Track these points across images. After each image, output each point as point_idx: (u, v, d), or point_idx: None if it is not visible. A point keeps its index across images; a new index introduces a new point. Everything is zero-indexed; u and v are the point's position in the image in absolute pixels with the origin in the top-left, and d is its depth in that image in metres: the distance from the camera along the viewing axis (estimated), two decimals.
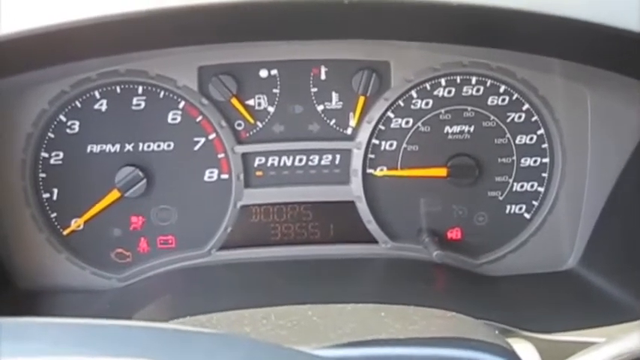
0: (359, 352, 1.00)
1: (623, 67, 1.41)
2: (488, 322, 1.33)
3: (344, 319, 1.16)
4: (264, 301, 1.26)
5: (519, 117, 1.70)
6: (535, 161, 1.72)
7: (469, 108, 1.69)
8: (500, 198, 1.74)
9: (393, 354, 1.00)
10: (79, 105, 1.64)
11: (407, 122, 1.69)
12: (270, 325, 1.15)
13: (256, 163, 1.71)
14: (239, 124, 1.69)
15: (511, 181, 1.73)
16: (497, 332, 1.25)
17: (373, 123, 1.68)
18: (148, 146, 1.67)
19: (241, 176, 1.70)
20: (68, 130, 1.65)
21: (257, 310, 1.22)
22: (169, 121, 1.66)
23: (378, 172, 1.71)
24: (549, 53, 1.47)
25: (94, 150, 1.66)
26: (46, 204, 1.68)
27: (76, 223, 1.69)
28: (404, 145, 1.70)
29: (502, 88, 1.68)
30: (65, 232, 1.70)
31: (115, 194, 1.67)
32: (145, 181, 1.66)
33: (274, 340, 1.05)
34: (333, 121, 1.70)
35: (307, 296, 1.28)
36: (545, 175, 1.73)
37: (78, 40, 1.31)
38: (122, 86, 1.64)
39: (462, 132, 1.70)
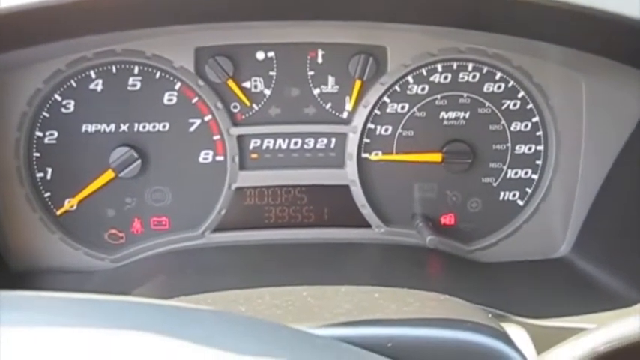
0: (355, 331, 1.00)
1: (621, 55, 1.42)
2: (481, 306, 1.33)
3: (339, 300, 1.17)
4: (257, 284, 1.26)
5: (514, 104, 1.70)
6: (529, 148, 1.73)
7: (465, 94, 1.69)
8: (494, 185, 1.75)
9: (389, 334, 1.00)
10: (74, 84, 1.63)
11: (403, 107, 1.69)
12: (265, 304, 1.15)
13: (251, 145, 1.71)
14: (235, 106, 1.69)
15: (505, 168, 1.73)
16: (490, 316, 1.25)
17: (369, 107, 1.68)
18: (144, 127, 1.67)
19: (236, 158, 1.69)
20: (63, 110, 1.64)
21: (252, 291, 1.23)
22: (165, 101, 1.66)
23: (373, 157, 1.71)
24: (546, 39, 1.47)
25: (89, 130, 1.66)
26: (40, 184, 1.68)
27: (70, 204, 1.69)
28: (399, 130, 1.70)
29: (498, 75, 1.68)
30: (59, 213, 1.69)
31: (109, 174, 1.66)
32: (139, 161, 1.66)
33: (270, 319, 1.05)
34: (329, 104, 1.70)
35: (300, 279, 1.28)
36: (539, 162, 1.74)
37: (74, 16, 1.30)
38: (118, 66, 1.63)
39: (457, 118, 1.70)
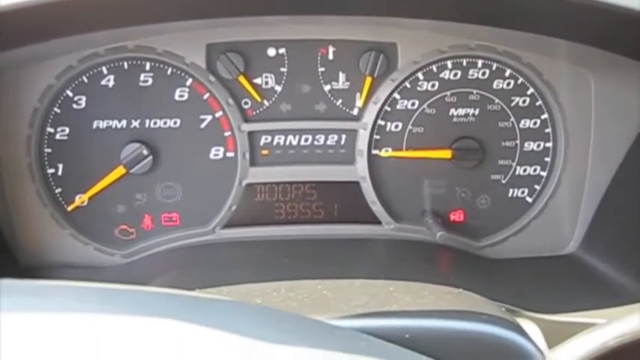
0: (373, 322, 1.00)
1: (627, 49, 1.43)
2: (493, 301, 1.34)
3: (354, 293, 1.17)
4: (268, 279, 1.26)
5: (524, 101, 1.71)
6: (538, 145, 1.74)
7: (474, 91, 1.70)
8: (503, 181, 1.75)
9: (407, 325, 1.00)
10: (85, 80, 1.64)
11: (413, 104, 1.70)
12: (281, 297, 1.15)
13: (262, 141, 1.71)
14: (246, 103, 1.69)
15: (514, 164, 1.74)
16: (504, 309, 1.26)
17: (379, 104, 1.69)
18: (155, 123, 1.67)
19: (247, 154, 1.70)
20: (74, 106, 1.65)
21: (266, 284, 1.23)
22: (176, 98, 1.67)
23: (383, 153, 1.72)
24: (553, 33, 1.48)
25: (100, 126, 1.66)
26: (51, 179, 1.68)
27: (81, 199, 1.69)
28: (409, 127, 1.71)
29: (507, 72, 1.69)
30: (69, 208, 1.70)
31: (120, 170, 1.67)
32: (150, 157, 1.66)
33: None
34: (340, 101, 1.71)
35: (311, 274, 1.28)
36: (547, 159, 1.75)
37: (86, 11, 1.31)
38: (130, 62, 1.64)
39: (466, 115, 1.71)
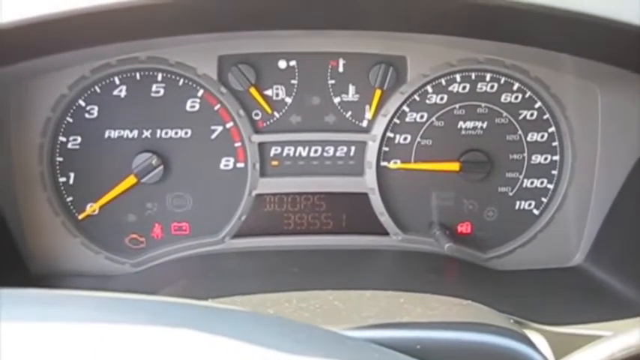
0: (385, 333, 1.01)
1: (630, 63, 1.44)
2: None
3: (365, 304, 1.19)
4: (277, 289, 1.28)
5: (531, 114, 1.73)
6: (545, 158, 1.75)
7: (483, 104, 1.71)
8: (510, 194, 1.77)
9: (418, 336, 1.01)
10: (98, 90, 1.66)
11: (422, 116, 1.71)
12: (293, 308, 1.17)
13: (272, 152, 1.73)
14: (256, 114, 1.71)
15: (521, 177, 1.76)
16: (512, 321, 1.27)
17: (389, 116, 1.70)
18: (166, 133, 1.69)
19: (257, 165, 1.72)
20: (87, 115, 1.67)
21: (278, 294, 1.24)
22: (188, 108, 1.68)
23: (392, 165, 1.74)
24: (558, 48, 1.49)
25: (112, 135, 1.68)
26: (63, 188, 1.70)
27: (92, 208, 1.71)
28: (418, 139, 1.72)
29: (515, 86, 1.71)
30: (80, 217, 1.71)
31: (131, 180, 1.68)
32: (161, 167, 1.68)
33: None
34: (350, 113, 1.72)
35: (319, 285, 1.29)
36: (554, 172, 1.76)
37: (99, 24, 1.32)
38: (142, 73, 1.66)
39: (475, 128, 1.72)
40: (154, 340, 0.75)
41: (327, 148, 1.73)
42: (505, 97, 1.71)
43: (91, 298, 0.86)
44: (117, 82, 1.66)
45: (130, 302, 0.88)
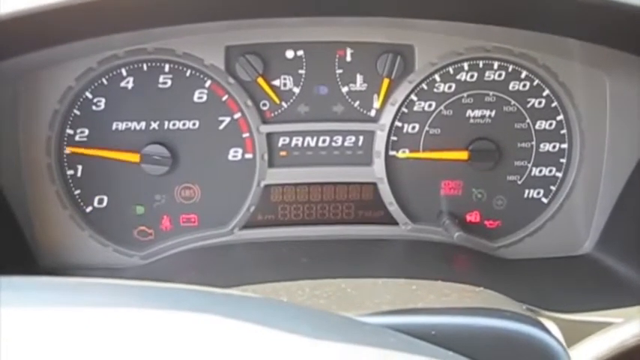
0: (400, 319, 1.01)
1: (637, 47, 1.44)
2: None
3: (378, 291, 1.18)
4: (287, 279, 1.27)
5: (539, 102, 1.72)
6: (554, 147, 1.75)
7: (491, 93, 1.71)
8: (519, 182, 1.76)
9: (433, 322, 1.01)
10: (105, 82, 1.65)
11: (430, 105, 1.71)
12: (306, 295, 1.17)
13: (280, 143, 1.72)
14: (264, 104, 1.70)
15: (530, 165, 1.75)
16: (524, 307, 1.27)
17: (397, 105, 1.70)
18: (174, 124, 1.68)
19: (265, 156, 1.71)
20: (94, 107, 1.66)
21: (291, 283, 1.24)
22: (195, 99, 1.68)
23: (400, 154, 1.73)
24: (567, 33, 1.49)
25: (120, 127, 1.68)
26: (71, 181, 1.69)
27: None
28: (426, 128, 1.72)
29: (523, 74, 1.70)
30: (88, 209, 1.71)
31: (134, 157, 1.68)
32: (169, 159, 1.67)
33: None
34: (358, 102, 1.72)
35: (329, 274, 1.28)
36: (563, 160, 1.76)
37: (105, 13, 1.32)
38: (149, 64, 1.65)
39: (483, 116, 1.72)
40: (180, 326, 0.75)
41: (335, 138, 1.73)
42: (513, 85, 1.71)
43: (115, 286, 0.86)
44: (124, 73, 1.65)
45: (152, 290, 0.88)
